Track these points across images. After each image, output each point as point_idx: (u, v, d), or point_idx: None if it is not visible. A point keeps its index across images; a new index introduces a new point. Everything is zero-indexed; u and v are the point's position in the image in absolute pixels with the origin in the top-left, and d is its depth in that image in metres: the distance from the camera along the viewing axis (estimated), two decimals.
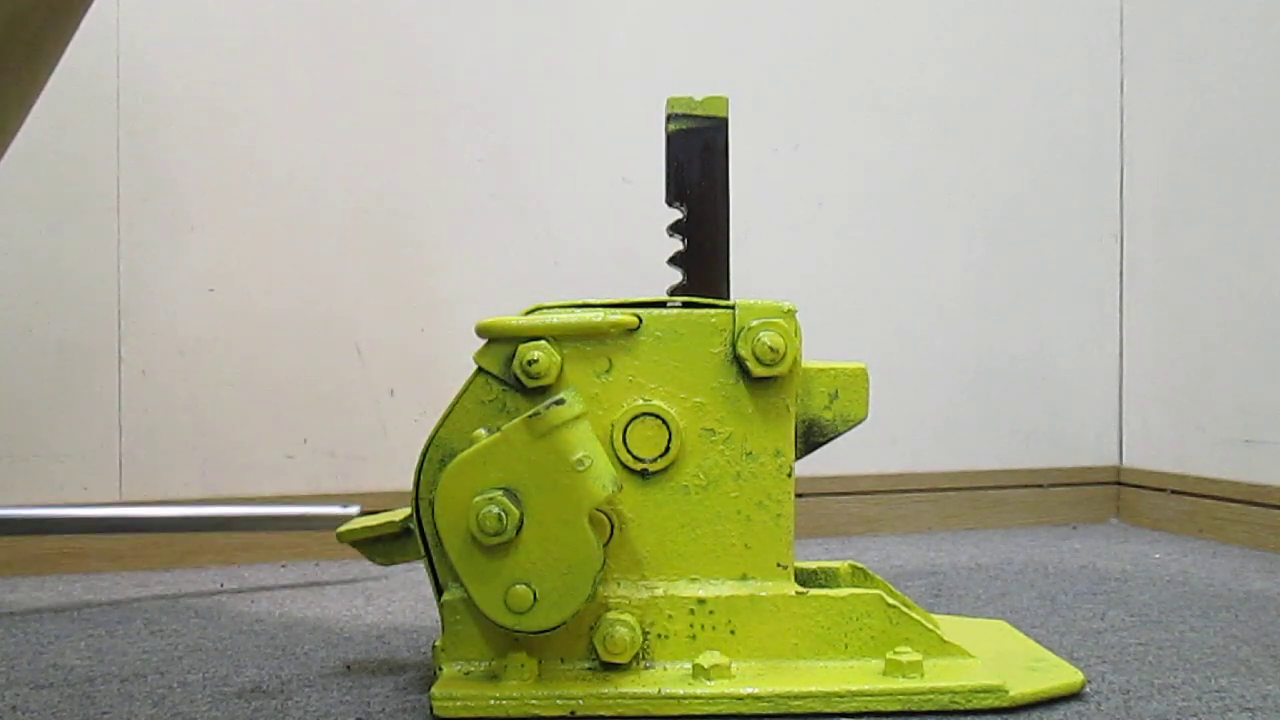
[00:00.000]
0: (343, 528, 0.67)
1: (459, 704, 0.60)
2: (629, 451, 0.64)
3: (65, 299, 1.04)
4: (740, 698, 0.60)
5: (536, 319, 0.63)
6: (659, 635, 0.63)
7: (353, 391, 1.11)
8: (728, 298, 0.70)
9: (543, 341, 0.63)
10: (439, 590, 0.63)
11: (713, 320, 0.64)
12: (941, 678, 0.62)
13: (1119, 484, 1.31)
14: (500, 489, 0.59)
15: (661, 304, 0.65)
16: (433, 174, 1.13)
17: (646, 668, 0.63)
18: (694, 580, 0.64)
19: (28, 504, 1.02)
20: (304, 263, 1.10)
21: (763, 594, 0.64)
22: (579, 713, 0.60)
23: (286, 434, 1.10)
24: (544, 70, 1.16)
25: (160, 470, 1.06)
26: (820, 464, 1.14)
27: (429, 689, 0.62)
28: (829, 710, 0.60)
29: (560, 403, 0.60)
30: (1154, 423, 1.28)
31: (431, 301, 1.13)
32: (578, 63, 1.17)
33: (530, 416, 0.59)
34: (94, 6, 1.03)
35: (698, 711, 0.60)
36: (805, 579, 0.72)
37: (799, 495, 0.66)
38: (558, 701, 0.60)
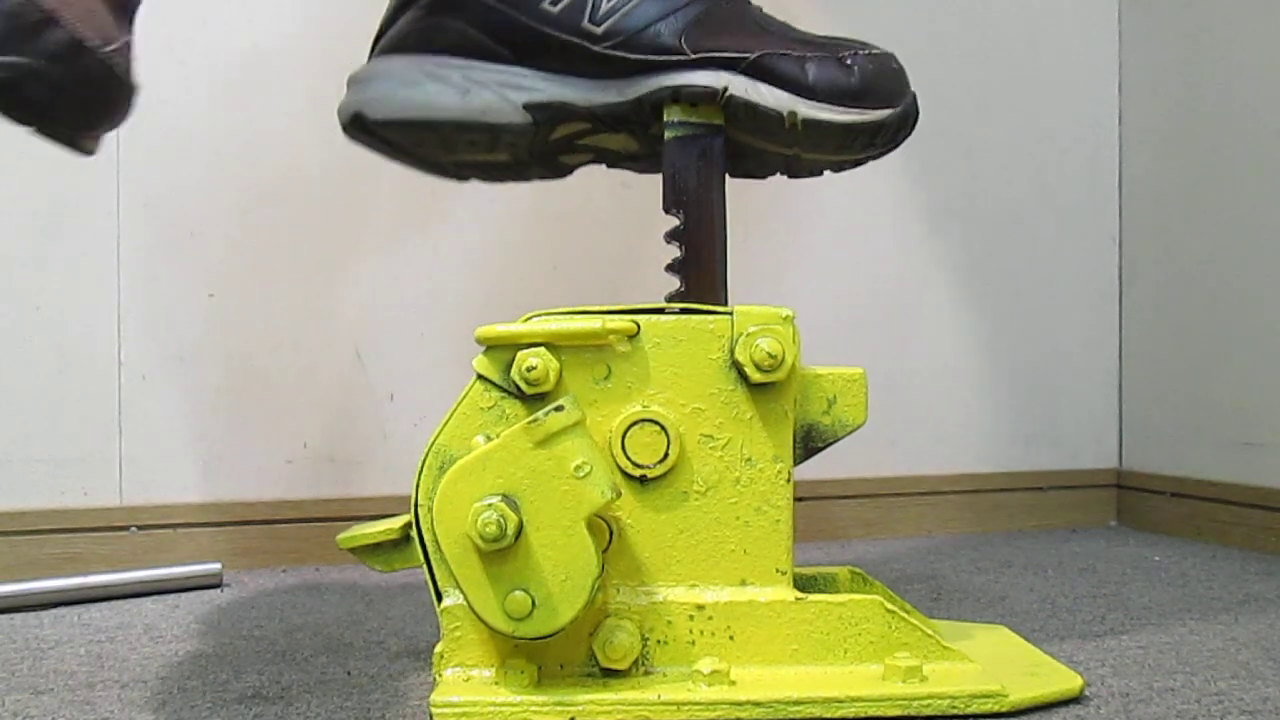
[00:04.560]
0: (342, 534, 0.67)
1: (459, 710, 0.60)
2: (627, 458, 0.64)
3: (65, 304, 1.04)
4: (739, 703, 0.60)
5: (535, 326, 0.63)
6: (658, 641, 0.64)
7: (353, 396, 1.11)
8: (725, 304, 0.70)
9: (541, 348, 0.63)
10: (438, 596, 0.64)
11: (710, 327, 0.64)
12: (940, 683, 0.62)
13: (1119, 487, 1.31)
14: (499, 496, 0.59)
15: (659, 310, 0.65)
16: (431, 179, 1.13)
17: (646, 674, 0.63)
18: (693, 586, 0.64)
19: (28, 508, 1.02)
20: (304, 267, 1.10)
21: (762, 599, 0.64)
22: (579, 719, 0.60)
23: (286, 439, 1.10)
24: None
25: (160, 475, 1.06)
26: (819, 468, 1.14)
27: (429, 695, 0.62)
28: (828, 715, 0.60)
29: (559, 409, 0.60)
30: (1154, 425, 1.28)
31: (431, 307, 1.13)
32: None
33: (529, 423, 0.60)
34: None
35: (697, 717, 0.60)
36: (804, 584, 0.72)
37: (798, 499, 0.66)
38: (557, 708, 0.60)
